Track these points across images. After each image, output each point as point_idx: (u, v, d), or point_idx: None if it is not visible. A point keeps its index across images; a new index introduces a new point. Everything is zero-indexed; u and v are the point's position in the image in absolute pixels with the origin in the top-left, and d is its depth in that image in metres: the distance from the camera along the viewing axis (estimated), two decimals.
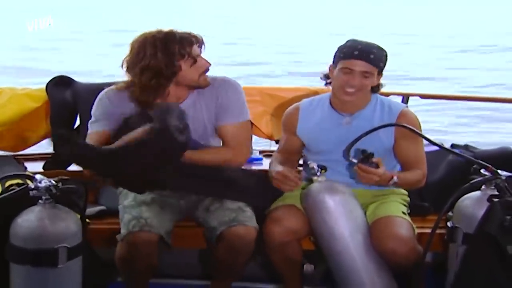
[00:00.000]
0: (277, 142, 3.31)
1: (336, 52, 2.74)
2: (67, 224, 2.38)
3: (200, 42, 2.66)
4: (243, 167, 2.86)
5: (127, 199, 2.72)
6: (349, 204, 2.66)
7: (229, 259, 2.61)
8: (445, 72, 12.43)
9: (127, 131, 2.48)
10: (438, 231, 2.53)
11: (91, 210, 2.93)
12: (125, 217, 2.63)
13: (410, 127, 2.69)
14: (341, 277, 2.68)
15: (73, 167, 3.38)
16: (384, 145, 2.76)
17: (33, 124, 3.44)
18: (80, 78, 3.51)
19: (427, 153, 2.87)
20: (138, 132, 2.40)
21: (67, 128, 3.39)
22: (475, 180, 2.55)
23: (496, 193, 2.48)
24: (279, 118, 3.09)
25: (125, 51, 2.66)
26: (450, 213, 2.67)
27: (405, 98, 3.52)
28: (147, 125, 2.39)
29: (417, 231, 2.69)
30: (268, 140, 3.57)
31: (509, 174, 2.53)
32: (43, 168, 3.34)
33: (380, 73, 2.74)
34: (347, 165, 2.77)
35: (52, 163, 3.38)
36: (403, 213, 2.73)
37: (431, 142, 2.65)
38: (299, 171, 3.07)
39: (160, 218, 2.62)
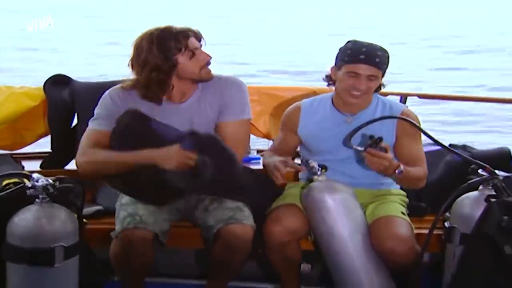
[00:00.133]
0: None
1: (339, 54, 2.74)
2: (64, 224, 2.38)
3: (198, 36, 2.67)
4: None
5: (124, 197, 2.72)
6: (349, 203, 2.66)
7: (225, 257, 2.61)
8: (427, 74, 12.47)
9: (120, 132, 2.55)
10: (435, 231, 2.53)
11: (88, 209, 2.92)
12: (120, 214, 2.64)
13: (413, 122, 2.69)
14: (339, 277, 2.68)
15: (71, 166, 3.39)
16: (386, 142, 2.76)
17: (30, 122, 3.45)
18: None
19: (425, 153, 2.87)
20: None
21: (65, 127, 3.39)
22: (472, 180, 2.55)
23: (494, 193, 2.48)
24: (277, 117, 3.09)
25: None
26: (447, 214, 2.66)
27: (403, 98, 3.52)
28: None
29: (414, 231, 2.69)
30: (266, 140, 3.57)
31: (506, 174, 2.53)
32: (41, 167, 3.33)
33: (383, 74, 2.75)
34: (348, 164, 2.79)
35: (49, 162, 3.38)
36: (402, 213, 2.73)
37: (433, 139, 2.64)
38: (297, 171, 3.08)
39: (156, 216, 2.62)
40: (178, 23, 2.69)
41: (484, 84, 10.79)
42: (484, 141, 6.42)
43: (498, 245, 2.38)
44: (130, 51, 2.67)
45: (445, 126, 7.30)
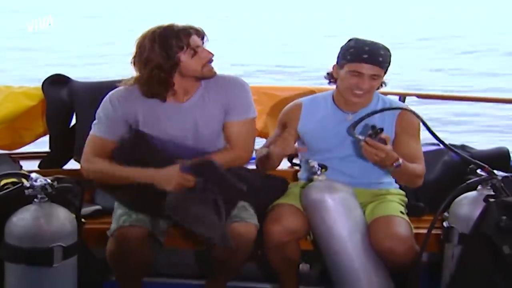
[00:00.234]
0: None
1: (341, 53, 2.73)
2: (62, 223, 2.38)
3: (200, 34, 2.68)
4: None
5: None
6: (349, 203, 2.66)
7: (228, 256, 2.61)
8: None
9: (124, 153, 2.62)
10: (434, 231, 2.54)
11: (86, 209, 2.92)
12: (117, 212, 2.65)
13: (416, 113, 2.69)
14: (338, 276, 2.68)
15: (69, 166, 3.39)
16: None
17: (29, 122, 3.44)
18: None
19: (423, 153, 2.87)
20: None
21: (63, 126, 3.39)
22: (471, 180, 2.56)
23: (492, 193, 2.49)
24: (275, 117, 3.08)
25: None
26: (446, 213, 2.67)
27: (402, 98, 3.52)
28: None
29: (413, 231, 2.69)
30: (264, 139, 3.56)
31: (505, 174, 2.54)
32: (39, 166, 3.33)
33: (385, 72, 2.75)
34: (347, 163, 2.79)
35: (47, 162, 3.38)
36: (401, 212, 2.74)
37: (434, 135, 2.64)
38: (296, 171, 3.08)
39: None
40: (180, 22, 2.69)
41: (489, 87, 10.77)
42: (482, 140, 6.45)
43: (497, 245, 2.38)
44: (133, 49, 2.67)
45: (444, 126, 7.32)
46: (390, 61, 2.74)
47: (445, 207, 2.55)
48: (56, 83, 3.40)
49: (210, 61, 2.69)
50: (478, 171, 2.57)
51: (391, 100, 2.90)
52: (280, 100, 3.41)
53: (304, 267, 3.00)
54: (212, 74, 2.70)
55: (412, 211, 2.91)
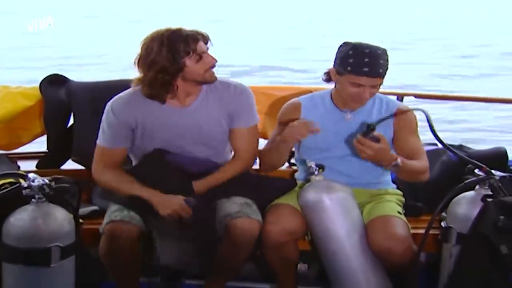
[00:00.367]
0: None
1: (339, 60, 2.69)
2: (60, 224, 2.38)
3: (206, 39, 2.69)
4: None
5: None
6: (347, 203, 2.66)
7: (231, 252, 2.62)
8: None
9: (140, 172, 2.70)
10: (432, 231, 2.54)
11: (84, 209, 2.91)
12: (111, 208, 2.67)
13: (425, 111, 2.65)
14: (336, 276, 2.68)
15: (67, 166, 3.38)
16: (385, 137, 2.77)
17: (26, 122, 3.43)
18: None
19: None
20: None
21: (61, 126, 3.39)
22: (469, 180, 2.56)
23: (490, 193, 2.49)
24: (273, 116, 3.08)
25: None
26: (443, 213, 2.67)
27: (400, 97, 3.52)
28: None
29: (411, 231, 2.69)
30: (263, 139, 3.56)
31: (503, 174, 2.54)
32: (36, 167, 3.32)
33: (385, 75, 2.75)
34: (346, 163, 2.80)
35: (45, 162, 3.37)
36: (399, 212, 2.74)
37: (435, 135, 2.64)
38: (294, 171, 3.08)
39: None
40: (177, 25, 2.70)
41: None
42: (481, 140, 6.46)
43: (495, 245, 2.39)
44: (136, 50, 2.68)
45: (443, 125, 7.33)
46: (388, 64, 2.73)
47: (443, 207, 2.56)
48: (53, 83, 3.39)
49: (213, 66, 2.71)
50: (476, 171, 2.57)
51: (387, 97, 2.89)
52: (278, 100, 3.41)
53: (302, 267, 3.00)
54: (213, 79, 2.72)
55: (411, 211, 2.92)
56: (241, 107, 2.78)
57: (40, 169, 3.24)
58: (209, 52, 2.70)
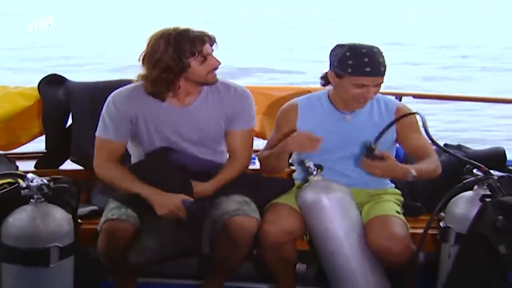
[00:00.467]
0: None
1: (337, 63, 2.68)
2: (59, 224, 2.38)
3: (212, 41, 2.71)
4: None
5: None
6: (345, 203, 2.66)
7: (229, 250, 2.63)
8: None
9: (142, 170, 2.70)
10: (430, 231, 2.54)
11: (83, 210, 2.92)
12: (108, 207, 2.68)
13: (421, 114, 2.71)
14: (335, 276, 2.68)
15: (65, 166, 3.38)
16: (386, 139, 2.79)
17: (25, 122, 3.43)
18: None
19: None
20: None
21: (59, 127, 3.38)
22: (467, 180, 2.56)
23: (489, 193, 2.49)
24: (270, 116, 3.09)
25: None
26: (442, 213, 2.67)
27: (399, 97, 3.52)
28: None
29: (409, 231, 2.69)
30: (261, 139, 3.56)
31: (501, 174, 2.54)
32: (35, 167, 3.33)
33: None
34: (345, 163, 2.80)
35: (44, 162, 3.37)
36: (397, 212, 2.74)
37: (430, 138, 2.65)
38: (292, 171, 3.08)
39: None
40: (177, 25, 2.70)
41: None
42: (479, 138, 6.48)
43: (493, 244, 2.38)
44: (144, 47, 2.69)
45: (442, 124, 7.33)
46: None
47: (441, 207, 2.56)
48: (52, 83, 3.39)
49: (216, 68, 2.71)
50: (475, 171, 2.57)
51: (384, 97, 2.90)
52: (277, 100, 3.41)
53: (300, 267, 3.00)
54: (214, 81, 2.74)
55: (409, 211, 2.92)
56: (241, 110, 2.79)
57: (39, 169, 3.24)
58: (214, 54, 2.71)
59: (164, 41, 2.62)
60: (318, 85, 2.96)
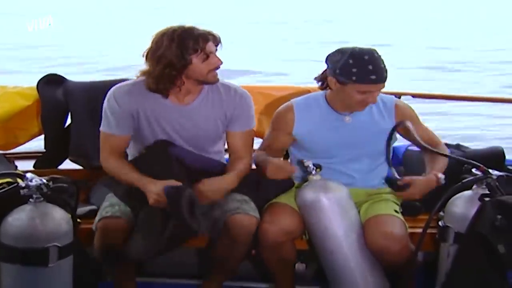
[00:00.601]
0: None
1: (340, 70, 2.66)
2: (58, 223, 2.38)
3: (217, 41, 2.72)
4: None
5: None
6: (344, 203, 2.66)
7: (229, 249, 2.63)
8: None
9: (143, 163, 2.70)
10: (429, 230, 2.54)
11: (82, 209, 2.91)
12: (102, 205, 2.70)
13: (409, 125, 2.76)
14: (334, 276, 2.68)
15: (64, 166, 3.38)
16: (386, 137, 2.82)
17: (24, 122, 3.43)
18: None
19: (419, 152, 2.88)
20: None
21: (58, 126, 3.38)
22: (466, 180, 2.56)
23: (487, 192, 2.49)
24: (270, 116, 3.08)
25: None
26: (441, 213, 2.67)
27: (398, 97, 3.51)
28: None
29: (408, 230, 2.70)
30: (260, 139, 3.56)
31: (500, 173, 2.54)
32: (34, 166, 3.33)
33: None
34: (344, 163, 2.82)
35: (43, 162, 3.37)
36: (396, 211, 2.74)
37: (421, 146, 2.67)
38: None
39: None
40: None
41: None
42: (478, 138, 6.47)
43: (492, 244, 2.39)
44: (147, 44, 2.70)
45: (441, 124, 7.33)
46: None
47: (440, 206, 2.56)
48: (51, 83, 3.39)
49: (217, 67, 2.72)
50: (473, 170, 2.58)
51: (381, 95, 2.88)
52: (276, 99, 3.41)
53: (299, 266, 3.00)
54: (215, 80, 2.74)
55: (408, 210, 2.91)
56: (240, 111, 2.80)
57: (38, 169, 3.24)
58: (217, 54, 2.72)
59: (168, 38, 2.64)
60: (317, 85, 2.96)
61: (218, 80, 2.75)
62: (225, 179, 2.73)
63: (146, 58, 2.69)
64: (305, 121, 2.83)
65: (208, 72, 2.70)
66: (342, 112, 2.81)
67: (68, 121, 3.38)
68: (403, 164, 3.24)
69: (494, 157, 3.14)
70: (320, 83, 2.82)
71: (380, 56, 2.69)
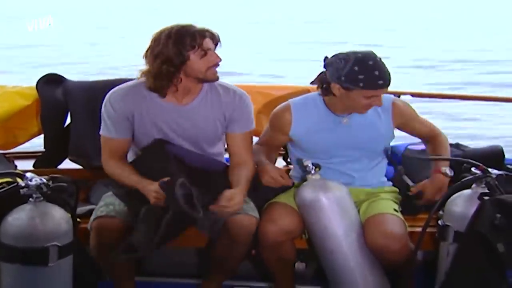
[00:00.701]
0: None
1: (345, 77, 2.63)
2: (58, 223, 2.38)
3: (215, 39, 2.71)
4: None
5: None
6: (344, 202, 2.66)
7: (228, 249, 2.63)
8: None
9: (142, 164, 2.70)
10: (429, 229, 2.55)
11: (82, 209, 2.91)
12: (98, 205, 2.69)
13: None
14: (333, 275, 2.68)
15: (64, 165, 3.39)
16: (384, 136, 2.83)
17: (23, 122, 3.43)
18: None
19: (418, 151, 2.88)
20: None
21: (58, 126, 3.39)
22: (465, 179, 2.56)
23: (487, 191, 2.49)
24: (269, 115, 3.08)
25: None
26: (441, 212, 2.67)
27: (396, 97, 3.52)
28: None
29: (408, 229, 2.70)
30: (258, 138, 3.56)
31: (499, 172, 2.54)
32: (34, 166, 3.33)
33: None
34: (343, 164, 2.82)
35: (42, 161, 3.37)
36: (395, 210, 2.74)
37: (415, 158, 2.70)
38: (289, 170, 3.08)
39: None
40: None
41: None
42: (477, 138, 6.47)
43: (491, 243, 2.39)
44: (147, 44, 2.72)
45: (440, 123, 7.31)
46: None
47: (440, 205, 2.56)
48: (50, 83, 3.39)
49: (216, 65, 2.72)
50: (473, 169, 2.58)
51: None
52: (275, 99, 3.41)
53: (299, 266, 3.00)
54: (215, 78, 2.73)
55: (408, 209, 2.91)
56: (240, 113, 2.79)
57: (38, 168, 3.25)
58: (216, 51, 2.71)
59: (165, 35, 2.64)
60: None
61: (218, 77, 2.74)
62: (241, 190, 2.67)
63: (145, 57, 2.70)
64: (303, 122, 2.82)
65: (207, 69, 2.69)
66: (340, 114, 2.80)
67: (68, 120, 3.38)
68: (402, 163, 3.24)
69: (493, 156, 3.15)
70: (322, 90, 2.77)
71: (380, 58, 2.68)
